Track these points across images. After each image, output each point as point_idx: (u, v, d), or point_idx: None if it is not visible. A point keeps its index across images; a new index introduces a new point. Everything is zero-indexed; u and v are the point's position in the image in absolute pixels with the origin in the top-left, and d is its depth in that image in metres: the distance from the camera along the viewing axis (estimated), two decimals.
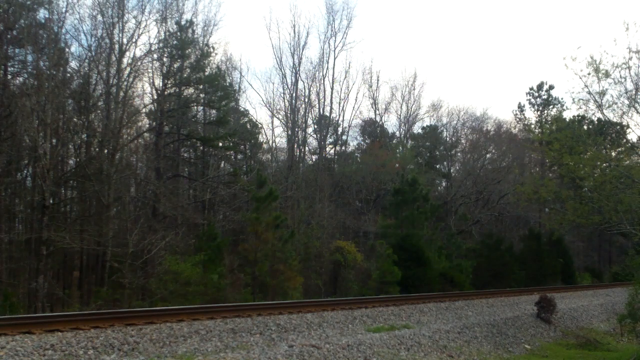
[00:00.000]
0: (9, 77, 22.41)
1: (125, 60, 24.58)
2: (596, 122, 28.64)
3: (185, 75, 27.97)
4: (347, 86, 44.57)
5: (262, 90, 60.86)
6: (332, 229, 31.55)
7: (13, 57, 22.81)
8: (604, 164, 19.29)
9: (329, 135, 43.46)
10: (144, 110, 27.98)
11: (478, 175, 44.08)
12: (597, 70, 16.93)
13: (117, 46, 24.16)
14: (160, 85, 27.77)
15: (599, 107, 17.75)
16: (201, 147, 31.51)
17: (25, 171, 24.18)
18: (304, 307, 15.65)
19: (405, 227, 29.77)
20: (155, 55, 26.68)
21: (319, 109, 40.88)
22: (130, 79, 24.40)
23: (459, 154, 51.04)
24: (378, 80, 52.84)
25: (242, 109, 38.23)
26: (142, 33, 30.12)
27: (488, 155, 48.76)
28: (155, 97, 27.79)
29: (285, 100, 39.33)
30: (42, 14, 23.65)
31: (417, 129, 50.10)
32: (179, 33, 27.75)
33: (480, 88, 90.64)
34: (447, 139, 50.69)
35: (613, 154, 21.71)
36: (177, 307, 14.54)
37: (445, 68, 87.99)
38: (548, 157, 27.11)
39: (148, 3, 29.70)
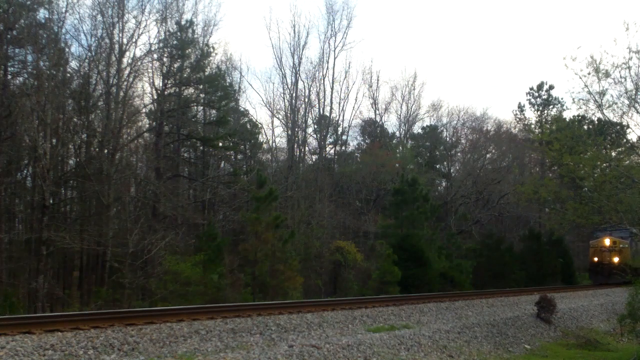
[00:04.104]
0: (9, 77, 22.41)
1: (125, 60, 24.60)
2: (596, 122, 28.65)
3: (185, 75, 27.97)
4: (347, 86, 44.54)
5: (262, 90, 60.87)
6: (332, 229, 31.55)
7: (13, 57, 22.79)
8: (604, 164, 19.30)
9: (329, 135, 43.49)
10: (144, 110, 28.01)
11: (478, 175, 44.08)
12: (597, 70, 16.93)
13: (117, 46, 24.16)
14: (160, 85, 27.78)
15: (599, 107, 17.76)
16: (201, 147, 31.51)
17: (25, 171, 24.19)
18: (304, 307, 15.64)
19: (405, 227, 29.76)
20: (155, 55, 26.70)
21: (319, 109, 40.93)
22: (130, 79, 24.41)
23: (459, 154, 51.05)
24: (378, 80, 52.81)
25: (242, 109, 38.25)
26: (142, 33, 30.12)
27: (488, 155, 48.79)
28: (155, 97, 27.79)
29: (285, 100, 39.38)
30: (42, 14, 23.67)
31: (417, 129, 50.14)
32: (179, 33, 27.74)
33: (480, 88, 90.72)
34: (447, 139, 50.70)
35: (613, 154, 21.74)
36: (177, 307, 14.53)
37: (445, 68, 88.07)
38: (548, 157, 27.15)
39: (148, 3, 29.73)
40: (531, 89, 51.94)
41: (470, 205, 43.75)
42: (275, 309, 14.87)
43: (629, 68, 16.83)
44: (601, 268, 34.19)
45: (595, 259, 34.75)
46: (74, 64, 25.57)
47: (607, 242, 34.04)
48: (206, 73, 28.66)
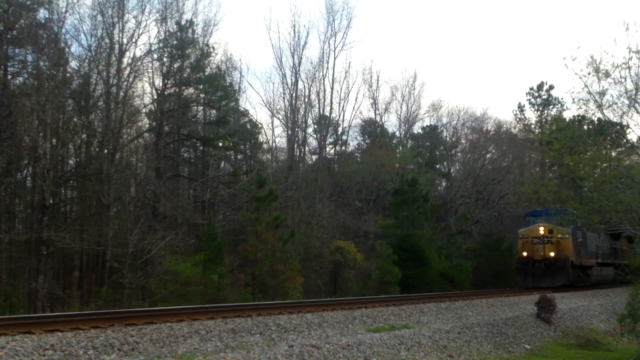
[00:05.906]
0: (9, 77, 22.42)
1: (125, 60, 24.64)
2: (596, 122, 28.61)
3: (185, 75, 27.98)
4: (347, 86, 44.53)
5: (262, 90, 60.66)
6: (332, 229, 31.56)
7: (13, 57, 22.81)
8: (604, 164, 19.27)
9: (329, 135, 43.49)
10: (144, 110, 28.04)
11: (478, 175, 44.07)
12: (597, 70, 16.89)
13: (117, 46, 24.18)
14: (160, 85, 27.80)
15: (599, 107, 17.72)
16: (201, 147, 31.52)
17: (25, 171, 24.19)
18: (304, 307, 15.64)
19: (405, 227, 29.79)
20: (155, 55, 26.75)
21: (319, 109, 40.92)
22: (130, 79, 24.46)
23: (459, 154, 51.05)
24: (378, 80, 52.64)
25: (242, 109, 38.27)
26: (142, 33, 30.11)
27: (488, 155, 48.76)
28: (155, 97, 27.81)
29: (285, 100, 39.39)
30: (42, 14, 23.70)
31: (417, 129, 50.11)
32: (179, 33, 27.76)
33: (480, 88, 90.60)
34: (447, 139, 50.69)
35: (613, 154, 21.69)
36: (177, 307, 14.53)
37: (445, 68, 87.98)
38: (548, 157, 27.05)
39: (148, 3, 29.66)
40: (531, 89, 51.88)
41: (470, 205, 43.75)
42: (275, 309, 14.87)
43: (629, 68, 16.79)
44: (532, 266, 25.84)
45: (525, 253, 26.20)
46: (74, 64, 25.65)
47: (540, 230, 26.14)
48: (206, 73, 28.68)
